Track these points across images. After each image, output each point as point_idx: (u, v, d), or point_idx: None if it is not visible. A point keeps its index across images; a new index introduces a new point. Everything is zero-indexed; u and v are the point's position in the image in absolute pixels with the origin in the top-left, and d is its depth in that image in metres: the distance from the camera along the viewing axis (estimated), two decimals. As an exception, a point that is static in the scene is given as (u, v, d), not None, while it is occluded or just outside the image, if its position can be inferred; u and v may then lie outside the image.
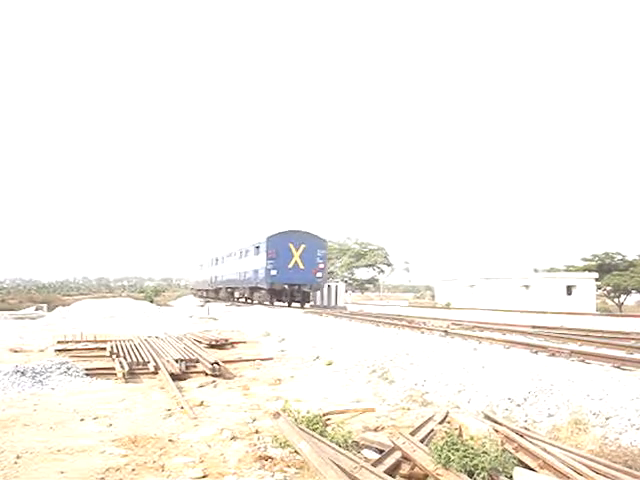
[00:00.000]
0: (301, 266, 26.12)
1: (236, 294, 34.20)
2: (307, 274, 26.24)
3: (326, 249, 28.12)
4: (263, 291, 27.54)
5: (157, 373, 10.77)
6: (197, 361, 11.85)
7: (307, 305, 28.20)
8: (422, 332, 14.08)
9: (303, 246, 26.09)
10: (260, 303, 28.79)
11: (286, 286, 26.27)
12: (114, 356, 12.36)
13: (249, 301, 31.81)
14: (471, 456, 4.57)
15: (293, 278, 26.12)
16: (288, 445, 5.61)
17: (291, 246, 25.93)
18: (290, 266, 25.87)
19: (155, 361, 11.54)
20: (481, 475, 4.45)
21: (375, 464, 4.85)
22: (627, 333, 13.28)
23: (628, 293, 43.74)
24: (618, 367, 7.81)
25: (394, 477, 4.77)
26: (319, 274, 26.69)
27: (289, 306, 27.36)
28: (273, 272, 25.74)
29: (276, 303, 27.93)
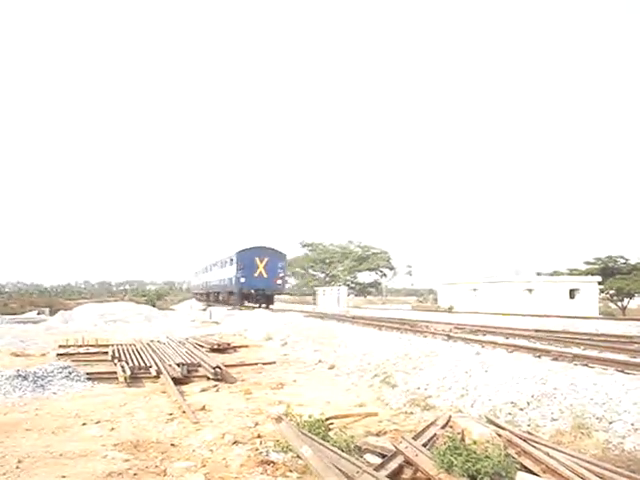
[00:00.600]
0: (265, 275, 32.33)
1: (220, 297, 40.17)
2: (269, 282, 32.45)
3: (285, 261, 35.05)
4: (235, 295, 33.96)
5: (159, 377, 10.76)
6: (199, 365, 11.84)
7: (271, 306, 33.99)
8: (425, 336, 14.06)
9: (266, 259, 32.33)
10: (234, 304, 34.50)
11: (252, 291, 32.64)
12: (116, 360, 12.36)
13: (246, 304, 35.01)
14: (474, 460, 4.55)
15: (258, 285, 32.28)
16: (290, 450, 5.59)
17: (257, 259, 32.18)
18: (256, 275, 32.12)
19: (157, 365, 11.53)
20: (484, 480, 4.42)
21: (377, 469, 4.83)
22: (630, 337, 13.25)
23: (631, 297, 43.56)
24: (621, 371, 7.79)
25: (396, 482, 4.75)
26: (279, 281, 33.04)
27: (259, 307, 32.76)
28: (242, 280, 32.06)
29: (282, 307, 34.54)
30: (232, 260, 33.61)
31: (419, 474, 4.85)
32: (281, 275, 33.13)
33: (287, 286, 49.51)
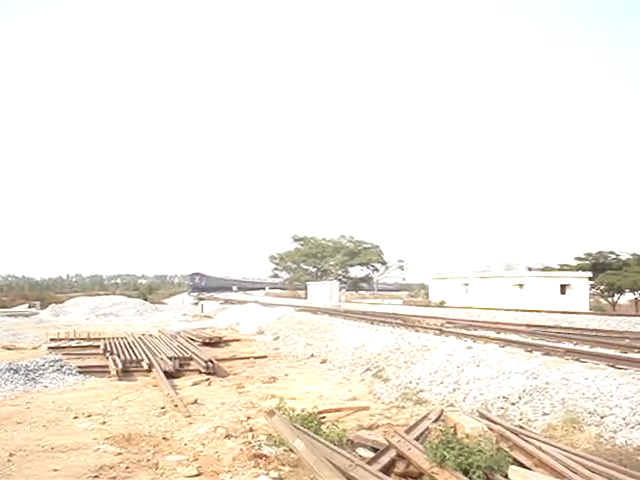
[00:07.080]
0: (198, 282, 70.80)
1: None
2: (200, 285, 70.16)
3: (204, 277, 72.81)
4: (190, 289, 71.24)
5: (151, 371, 10.73)
6: (191, 359, 11.82)
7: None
8: (417, 330, 14.09)
9: (199, 276, 72.25)
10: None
11: (194, 287, 70.18)
12: (108, 354, 12.31)
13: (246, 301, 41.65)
14: (466, 454, 4.56)
15: (197, 285, 70.17)
16: (283, 443, 5.59)
17: (195, 276, 72.41)
18: (196, 282, 71.05)
19: (149, 359, 11.50)
20: (476, 473, 4.44)
21: (370, 462, 4.84)
22: (621, 332, 13.34)
23: (622, 292, 43.81)
24: (612, 366, 7.83)
25: (389, 475, 4.76)
26: (203, 283, 70.93)
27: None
28: (191, 283, 72.77)
29: (273, 301, 39.52)
30: (190, 276, 74.60)
31: (411, 468, 4.86)
32: (203, 282, 71.12)
33: (278, 280, 73.61)
